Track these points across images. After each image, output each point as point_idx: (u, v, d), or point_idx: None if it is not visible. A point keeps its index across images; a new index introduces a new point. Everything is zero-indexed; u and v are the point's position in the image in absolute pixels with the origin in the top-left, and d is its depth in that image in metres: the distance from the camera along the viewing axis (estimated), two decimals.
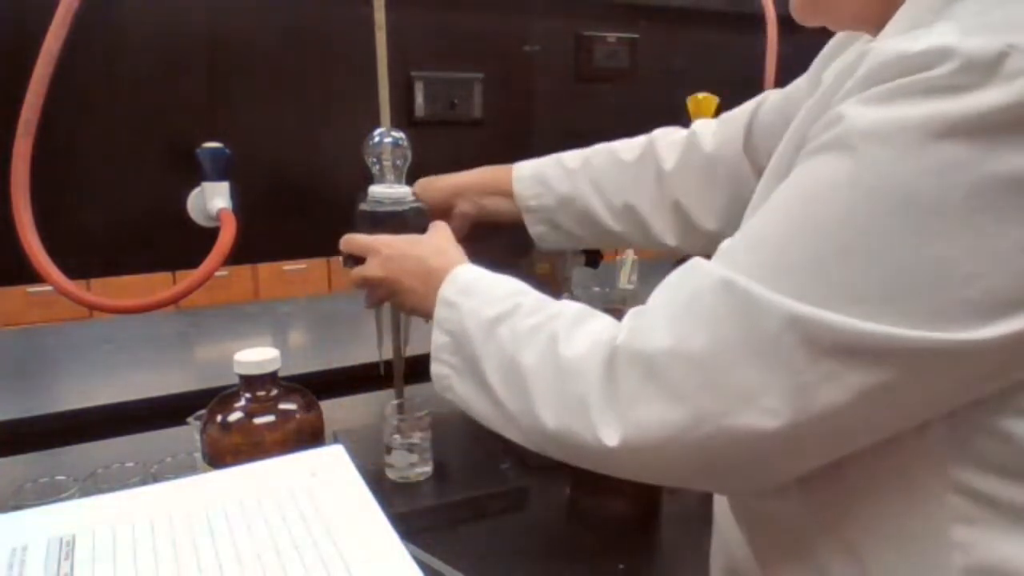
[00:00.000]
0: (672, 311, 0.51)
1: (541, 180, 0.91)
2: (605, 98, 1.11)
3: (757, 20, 1.09)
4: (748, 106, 0.88)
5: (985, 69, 0.42)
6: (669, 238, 0.88)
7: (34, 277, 0.73)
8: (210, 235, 0.80)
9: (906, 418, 0.48)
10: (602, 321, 0.58)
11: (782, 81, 1.04)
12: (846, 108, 0.46)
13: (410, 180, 0.92)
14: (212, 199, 0.82)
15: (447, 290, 0.68)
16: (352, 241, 0.79)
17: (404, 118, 0.95)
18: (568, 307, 0.61)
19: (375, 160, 0.83)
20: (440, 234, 0.78)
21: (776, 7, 1.08)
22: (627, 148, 0.91)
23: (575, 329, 0.57)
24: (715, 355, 0.48)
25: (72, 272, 0.74)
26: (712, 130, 0.88)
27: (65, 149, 0.79)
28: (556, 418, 0.55)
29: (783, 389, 0.46)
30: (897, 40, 0.46)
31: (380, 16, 0.86)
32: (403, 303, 0.76)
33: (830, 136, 0.47)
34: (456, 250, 0.75)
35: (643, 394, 0.50)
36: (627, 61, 1.09)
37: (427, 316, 0.70)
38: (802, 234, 0.47)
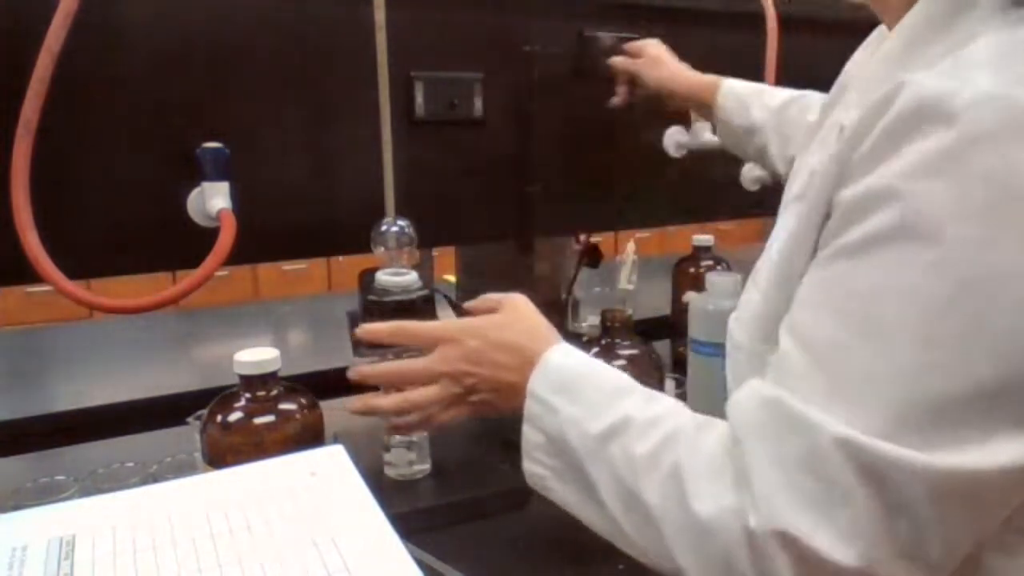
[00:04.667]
0: (793, 480, 0.45)
1: (745, 105, 0.97)
2: (605, 98, 1.10)
3: (757, 20, 1.09)
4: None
5: None
6: None
7: (34, 277, 0.73)
8: (210, 235, 0.80)
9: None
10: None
11: (781, 81, 1.05)
12: (900, 183, 0.43)
13: (409, 179, 0.92)
14: (212, 199, 0.82)
15: (538, 384, 0.62)
16: (409, 331, 0.70)
17: (404, 118, 0.95)
18: (682, 427, 0.55)
19: (382, 248, 0.84)
20: (528, 309, 0.70)
21: (776, 7, 1.08)
22: (818, 105, 0.93)
23: (701, 478, 0.51)
24: (863, 532, 0.44)
25: (72, 272, 0.74)
26: None
27: (65, 149, 0.79)
28: (700, 570, 0.51)
29: (923, 541, 0.43)
30: (929, 77, 0.43)
31: (380, 16, 0.85)
32: (490, 406, 0.68)
33: (888, 221, 0.43)
34: (548, 328, 0.68)
35: (799, 571, 0.46)
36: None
37: (513, 410, 0.64)
38: (905, 354, 0.43)
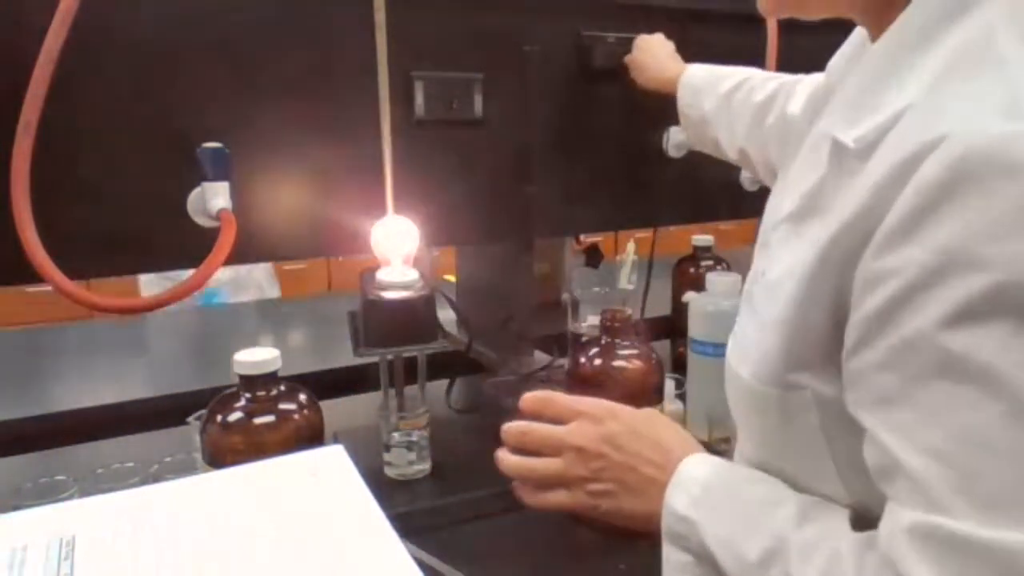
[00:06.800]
0: None
1: (698, 96, 0.98)
2: (605, 98, 1.10)
3: (757, 20, 1.08)
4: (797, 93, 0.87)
5: None
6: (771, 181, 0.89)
7: (34, 277, 0.73)
8: (210, 235, 0.80)
9: None
10: None
11: None
12: (978, 247, 0.39)
13: (409, 179, 0.92)
14: (212, 199, 0.82)
15: (677, 499, 0.56)
16: (552, 401, 0.65)
17: (404, 118, 0.95)
18: (843, 552, 0.48)
19: (382, 248, 0.84)
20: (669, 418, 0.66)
21: None
22: (762, 84, 0.93)
23: None
24: None
25: (72, 272, 0.74)
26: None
27: (65, 149, 0.79)
28: None
29: None
30: (973, 122, 0.41)
31: (380, 16, 0.86)
32: (610, 500, 0.60)
33: (979, 291, 0.40)
34: (691, 440, 0.63)
35: None
36: None
37: (635, 514, 0.59)
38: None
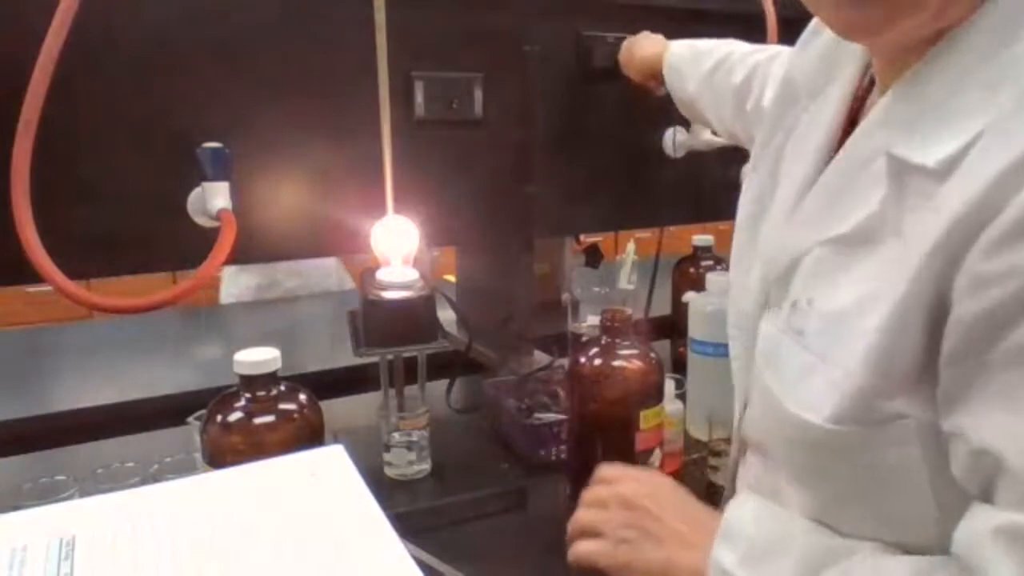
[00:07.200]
0: None
1: (682, 76, 0.99)
2: (605, 98, 1.10)
3: (757, 20, 1.09)
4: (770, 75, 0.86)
5: None
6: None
7: (34, 277, 0.73)
8: (210, 235, 0.80)
9: None
10: None
11: None
12: None
13: (409, 179, 0.92)
14: (212, 199, 0.82)
15: (724, 554, 0.57)
16: (613, 467, 0.72)
17: (404, 118, 0.95)
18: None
19: (382, 247, 0.84)
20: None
21: (776, 7, 1.08)
22: (741, 61, 0.93)
23: None
24: None
25: (72, 272, 0.74)
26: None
27: (65, 149, 0.79)
28: None
29: None
30: None
31: (380, 16, 0.86)
32: (631, 549, 0.63)
33: None
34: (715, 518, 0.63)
35: None
36: None
37: (657, 571, 0.61)
38: None
